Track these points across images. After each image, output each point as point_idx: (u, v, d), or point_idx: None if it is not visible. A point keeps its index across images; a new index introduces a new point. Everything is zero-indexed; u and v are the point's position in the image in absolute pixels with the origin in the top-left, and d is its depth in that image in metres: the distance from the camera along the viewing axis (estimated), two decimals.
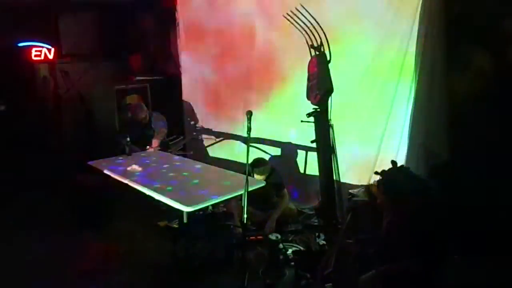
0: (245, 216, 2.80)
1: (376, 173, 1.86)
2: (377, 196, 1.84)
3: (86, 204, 4.20)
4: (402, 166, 1.96)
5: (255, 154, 4.55)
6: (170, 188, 3.27)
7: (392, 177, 1.84)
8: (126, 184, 3.47)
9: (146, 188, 3.27)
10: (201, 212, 3.34)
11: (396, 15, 3.74)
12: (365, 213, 2.67)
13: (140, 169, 3.73)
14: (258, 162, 3.96)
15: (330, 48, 3.49)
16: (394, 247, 1.76)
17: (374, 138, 4.11)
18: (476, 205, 3.07)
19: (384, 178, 1.81)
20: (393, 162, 1.89)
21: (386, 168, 2.10)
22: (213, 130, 5.64)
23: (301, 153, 4.74)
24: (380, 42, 3.89)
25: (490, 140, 3.26)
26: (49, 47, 5.84)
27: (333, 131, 3.65)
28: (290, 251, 3.46)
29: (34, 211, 4.56)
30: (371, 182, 4.04)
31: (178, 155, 4.78)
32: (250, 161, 3.14)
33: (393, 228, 1.75)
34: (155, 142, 4.55)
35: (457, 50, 3.38)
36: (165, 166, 3.94)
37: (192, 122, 5.83)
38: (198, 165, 4.01)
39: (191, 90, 5.75)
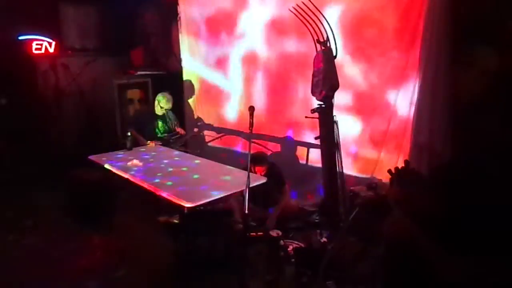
0: (246, 212, 2.77)
1: (389, 171, 1.84)
2: (390, 191, 1.82)
3: (86, 199, 4.18)
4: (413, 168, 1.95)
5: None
6: (170, 183, 3.26)
7: (408, 174, 1.83)
8: (127, 179, 3.45)
9: (146, 183, 3.25)
10: (201, 208, 3.31)
11: (401, 13, 3.70)
12: (372, 210, 2.64)
13: (140, 163, 3.71)
14: (258, 158, 3.92)
15: (337, 44, 3.45)
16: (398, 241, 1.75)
17: (377, 137, 4.08)
18: (479, 205, 3.04)
19: (400, 174, 1.81)
20: (407, 162, 1.88)
21: (388, 168, 2.10)
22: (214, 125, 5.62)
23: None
24: (385, 40, 3.85)
25: (494, 139, 3.22)
26: (50, 40, 5.81)
27: (337, 127, 3.62)
28: (291, 248, 3.43)
29: (33, 206, 4.53)
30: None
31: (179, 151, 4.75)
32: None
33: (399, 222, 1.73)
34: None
35: (462, 49, 3.34)
36: (166, 161, 3.92)
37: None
38: (198, 161, 3.99)
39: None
